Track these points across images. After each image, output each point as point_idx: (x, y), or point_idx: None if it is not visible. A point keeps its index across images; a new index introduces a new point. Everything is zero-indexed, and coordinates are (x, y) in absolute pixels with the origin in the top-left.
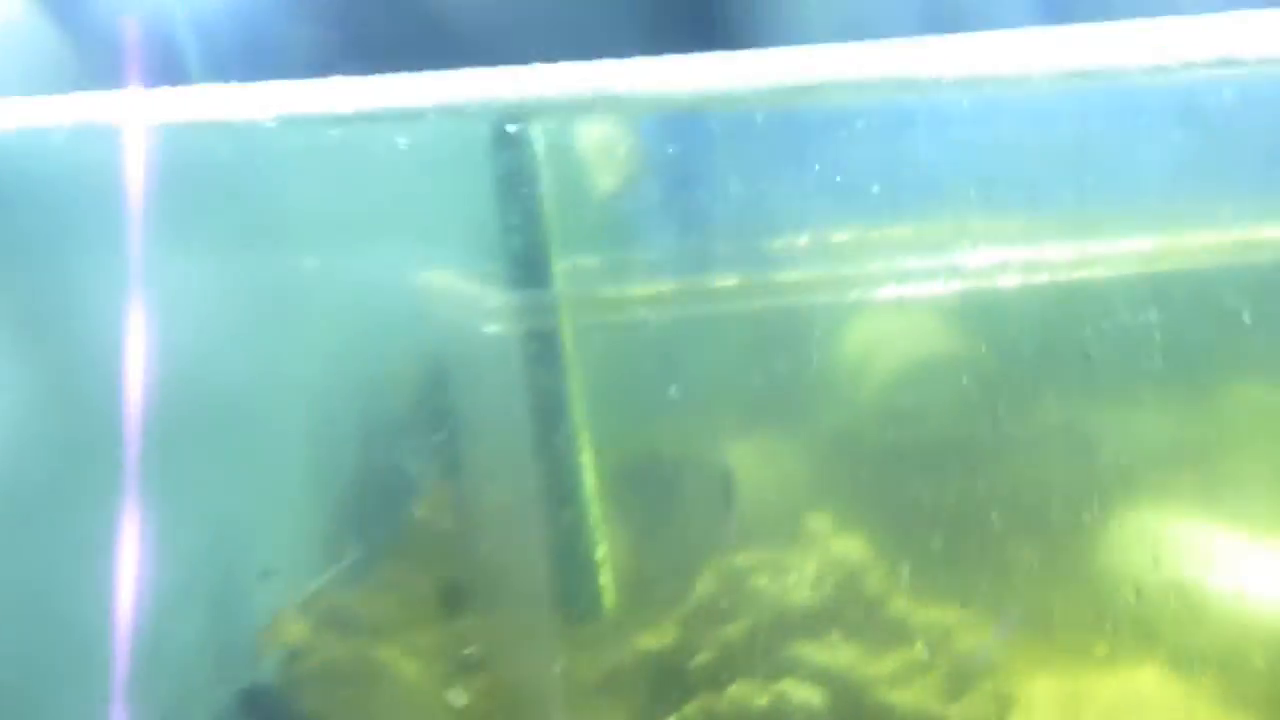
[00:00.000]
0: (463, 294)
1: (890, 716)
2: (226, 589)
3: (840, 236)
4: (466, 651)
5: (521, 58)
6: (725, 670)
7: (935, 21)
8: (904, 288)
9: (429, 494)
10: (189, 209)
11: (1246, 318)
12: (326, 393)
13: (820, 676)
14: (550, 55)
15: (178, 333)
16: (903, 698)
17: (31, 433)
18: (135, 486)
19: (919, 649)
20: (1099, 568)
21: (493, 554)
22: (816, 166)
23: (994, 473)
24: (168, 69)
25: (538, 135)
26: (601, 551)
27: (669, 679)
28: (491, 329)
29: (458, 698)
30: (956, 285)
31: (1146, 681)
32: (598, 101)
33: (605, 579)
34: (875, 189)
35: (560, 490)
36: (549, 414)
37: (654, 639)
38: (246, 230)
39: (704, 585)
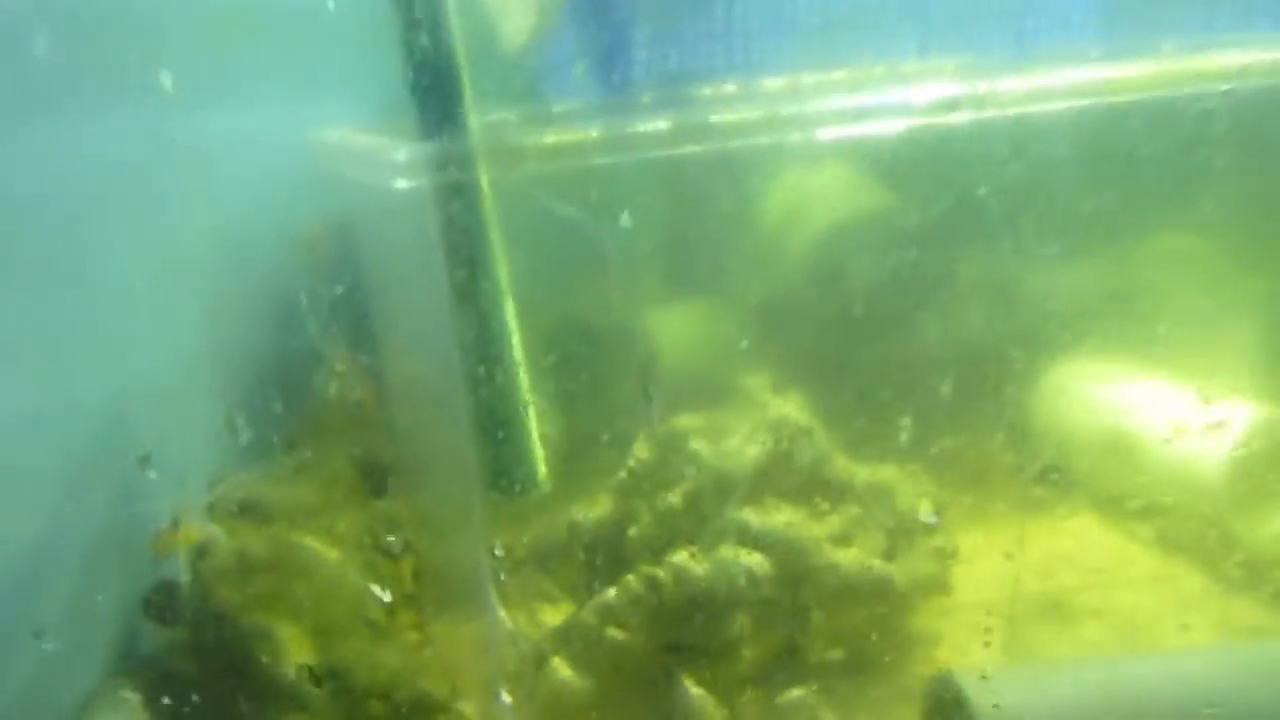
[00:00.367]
0: (370, 150)
1: (834, 576)
2: (122, 478)
3: (766, 81)
4: (390, 536)
5: None
6: (663, 538)
7: None
8: (831, 130)
9: (342, 367)
10: (85, 62)
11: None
12: (223, 260)
13: (761, 540)
14: None
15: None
16: (846, 556)
17: None
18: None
19: (860, 507)
20: (1032, 418)
21: (415, 428)
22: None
23: (925, 328)
24: None
25: None
26: (530, 419)
27: (605, 550)
28: (403, 184)
29: None
30: (881, 130)
31: (1082, 528)
32: None
33: (535, 447)
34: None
35: (484, 355)
36: (470, 275)
37: (588, 510)
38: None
39: (639, 451)
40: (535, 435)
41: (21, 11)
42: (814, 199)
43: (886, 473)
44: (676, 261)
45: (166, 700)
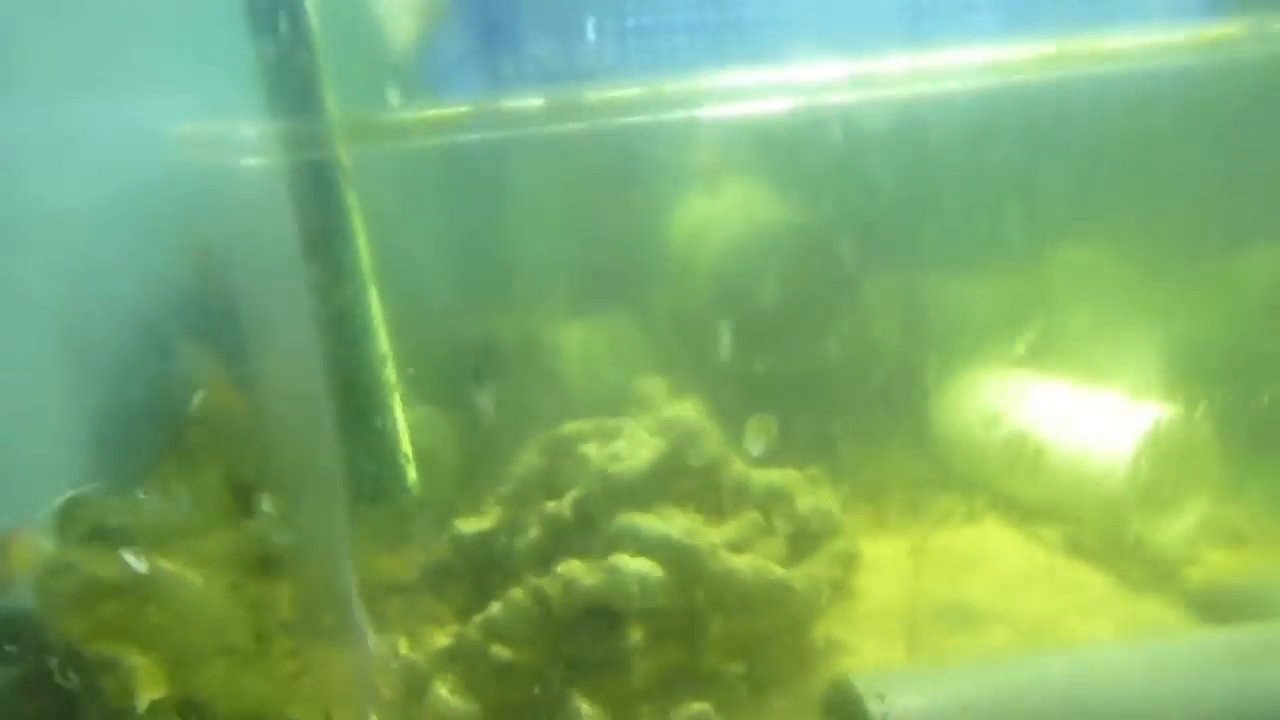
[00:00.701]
0: (222, 134)
1: (731, 582)
2: None
3: (660, 77)
4: (262, 557)
5: None
6: (552, 548)
7: None
8: (714, 109)
9: (210, 377)
10: None
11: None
12: (75, 263)
13: (654, 546)
14: None
15: None
16: (743, 562)
17: None
18: None
19: (758, 512)
20: (936, 425)
21: (287, 439)
22: None
23: (828, 337)
24: None
25: None
26: (396, 417)
27: (492, 564)
28: (252, 162)
29: None
30: (768, 108)
31: (987, 534)
32: None
33: (402, 449)
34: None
35: (345, 351)
36: (327, 261)
37: (473, 522)
38: None
39: (527, 458)
40: (402, 435)
41: None
42: (717, 216)
43: (786, 477)
44: (549, 243)
45: None
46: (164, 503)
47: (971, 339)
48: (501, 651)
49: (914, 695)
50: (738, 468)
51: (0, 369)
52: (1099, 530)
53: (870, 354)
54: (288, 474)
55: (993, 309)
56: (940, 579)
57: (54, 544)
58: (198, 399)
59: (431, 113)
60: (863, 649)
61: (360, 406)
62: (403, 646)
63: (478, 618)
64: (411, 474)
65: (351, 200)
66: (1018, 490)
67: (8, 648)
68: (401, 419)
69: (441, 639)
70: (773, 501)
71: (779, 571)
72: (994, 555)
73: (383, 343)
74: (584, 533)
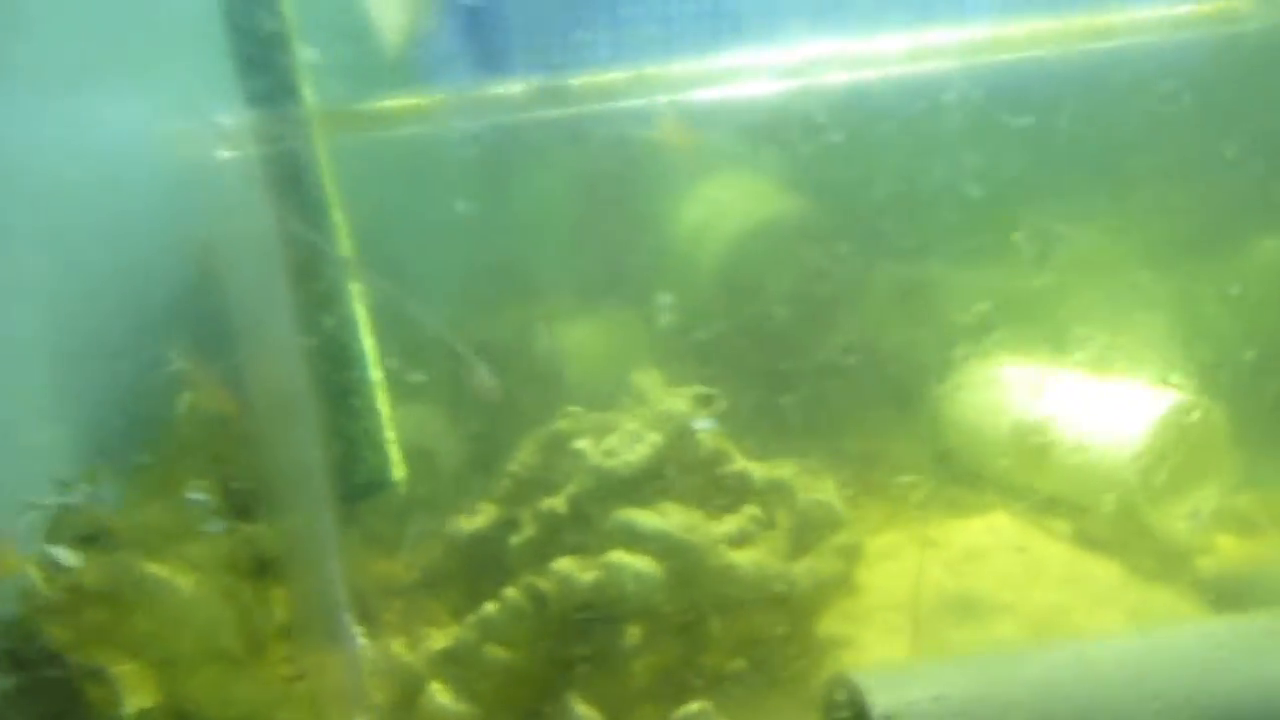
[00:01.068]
0: (201, 129)
1: (731, 578)
2: None
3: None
4: (256, 561)
5: None
6: (548, 546)
7: None
8: (703, 92)
9: (199, 377)
10: None
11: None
12: (64, 261)
13: (652, 543)
14: None
15: None
16: (744, 558)
17: None
18: None
19: (759, 507)
20: (943, 417)
21: (278, 440)
22: None
23: (834, 330)
24: None
25: None
26: (378, 409)
27: (486, 562)
28: (228, 154)
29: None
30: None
31: (996, 526)
32: None
33: (384, 441)
34: None
35: (326, 343)
36: (307, 250)
37: (468, 521)
38: None
39: (522, 455)
40: (387, 428)
41: None
42: (725, 207)
43: (788, 470)
44: (537, 234)
45: None
46: (157, 505)
47: (981, 326)
48: (497, 652)
49: (917, 689)
50: (738, 461)
51: None
52: (1109, 521)
53: (877, 346)
54: (275, 474)
55: (1000, 296)
56: (946, 571)
57: (41, 548)
58: (186, 399)
59: (414, 101)
60: (866, 644)
61: (344, 400)
62: (397, 648)
63: (472, 618)
64: (399, 468)
65: (329, 187)
66: (1027, 482)
67: None
68: (387, 412)
69: (437, 640)
70: (774, 495)
71: (779, 566)
72: (1002, 547)
73: (363, 334)
74: (580, 530)
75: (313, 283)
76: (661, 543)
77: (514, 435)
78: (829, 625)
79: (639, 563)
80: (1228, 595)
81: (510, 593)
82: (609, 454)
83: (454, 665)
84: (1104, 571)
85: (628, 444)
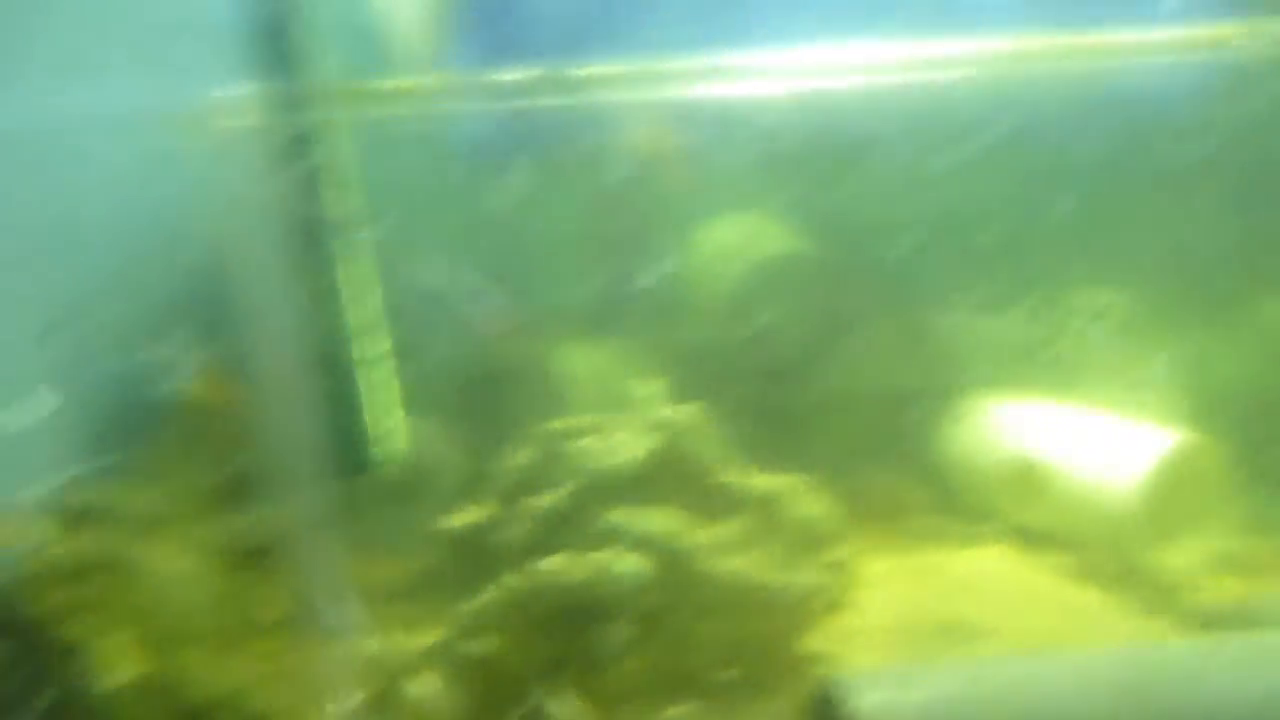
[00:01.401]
0: (209, 104)
1: (721, 584)
2: None
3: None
4: (253, 545)
5: None
6: (539, 544)
7: None
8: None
9: (200, 361)
10: None
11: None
12: (71, 245)
13: (644, 544)
14: None
15: None
16: (734, 565)
17: None
18: None
19: (753, 517)
20: (945, 450)
21: (276, 423)
22: None
23: (837, 363)
24: None
25: None
26: (378, 395)
27: (478, 558)
28: (233, 124)
29: None
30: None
31: (993, 557)
32: None
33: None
34: None
35: (324, 326)
36: (310, 223)
37: (461, 517)
38: None
39: (518, 454)
40: (382, 407)
41: None
42: (732, 245)
43: (784, 483)
44: (534, 213)
45: None
46: (158, 486)
47: (981, 365)
48: (485, 647)
49: (905, 691)
50: (734, 471)
51: None
52: (1106, 556)
53: (879, 379)
54: (274, 459)
55: (1003, 336)
56: (939, 598)
57: (42, 524)
58: (190, 385)
59: (420, 82)
60: (852, 661)
61: (333, 381)
62: (388, 637)
63: (463, 610)
64: (392, 447)
65: (336, 164)
66: (1025, 516)
67: None
68: (382, 390)
69: (427, 631)
70: (768, 507)
71: (766, 576)
72: (996, 577)
73: (363, 314)
74: (571, 529)
75: (319, 260)
76: (649, 544)
77: (513, 435)
78: (816, 640)
79: (627, 562)
80: (1221, 629)
81: (499, 588)
82: (604, 455)
83: (441, 658)
84: (1098, 604)
85: (623, 446)
